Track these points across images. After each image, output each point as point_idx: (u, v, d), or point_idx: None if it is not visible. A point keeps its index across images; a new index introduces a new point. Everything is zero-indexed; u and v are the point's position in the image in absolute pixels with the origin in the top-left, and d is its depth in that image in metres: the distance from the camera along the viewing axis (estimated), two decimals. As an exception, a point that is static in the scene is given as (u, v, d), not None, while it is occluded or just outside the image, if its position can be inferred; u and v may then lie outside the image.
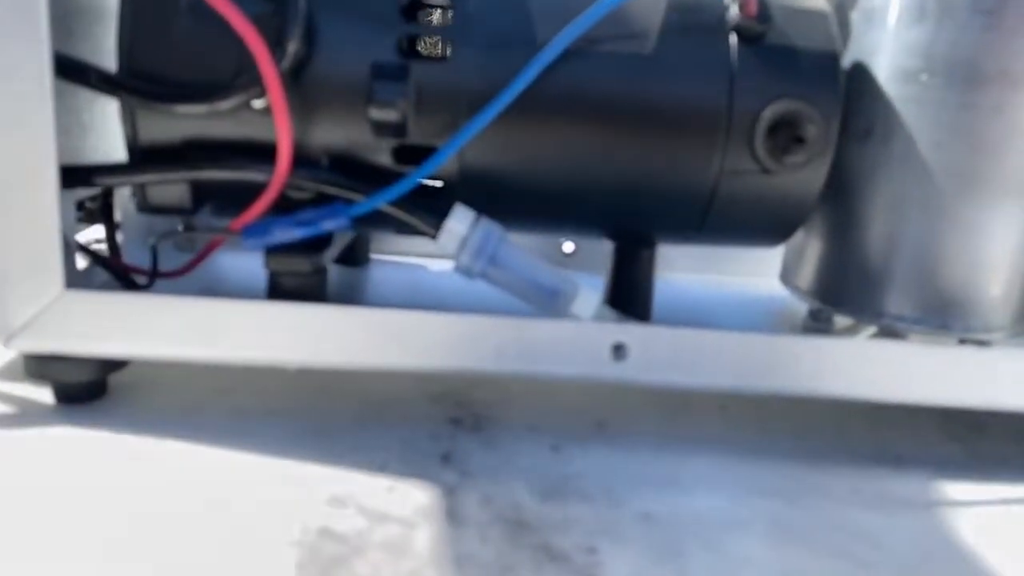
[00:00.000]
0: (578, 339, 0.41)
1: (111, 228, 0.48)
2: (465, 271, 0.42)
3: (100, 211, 0.48)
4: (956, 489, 0.42)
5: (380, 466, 0.39)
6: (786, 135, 0.43)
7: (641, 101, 0.43)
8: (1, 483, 0.36)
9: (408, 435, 0.42)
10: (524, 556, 0.33)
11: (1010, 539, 0.39)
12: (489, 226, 0.42)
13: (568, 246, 0.63)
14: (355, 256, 0.60)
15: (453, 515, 0.36)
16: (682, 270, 0.62)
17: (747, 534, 0.37)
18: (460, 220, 0.42)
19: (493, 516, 0.36)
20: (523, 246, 0.43)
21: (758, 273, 0.62)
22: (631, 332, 0.42)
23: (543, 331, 0.41)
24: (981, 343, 0.46)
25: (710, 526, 0.37)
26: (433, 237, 0.42)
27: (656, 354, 0.42)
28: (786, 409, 0.47)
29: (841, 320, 0.54)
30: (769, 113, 0.43)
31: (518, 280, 0.42)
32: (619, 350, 0.41)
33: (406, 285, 0.58)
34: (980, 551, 0.37)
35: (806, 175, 0.44)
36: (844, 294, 0.48)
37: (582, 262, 0.61)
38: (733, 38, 0.43)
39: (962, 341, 0.46)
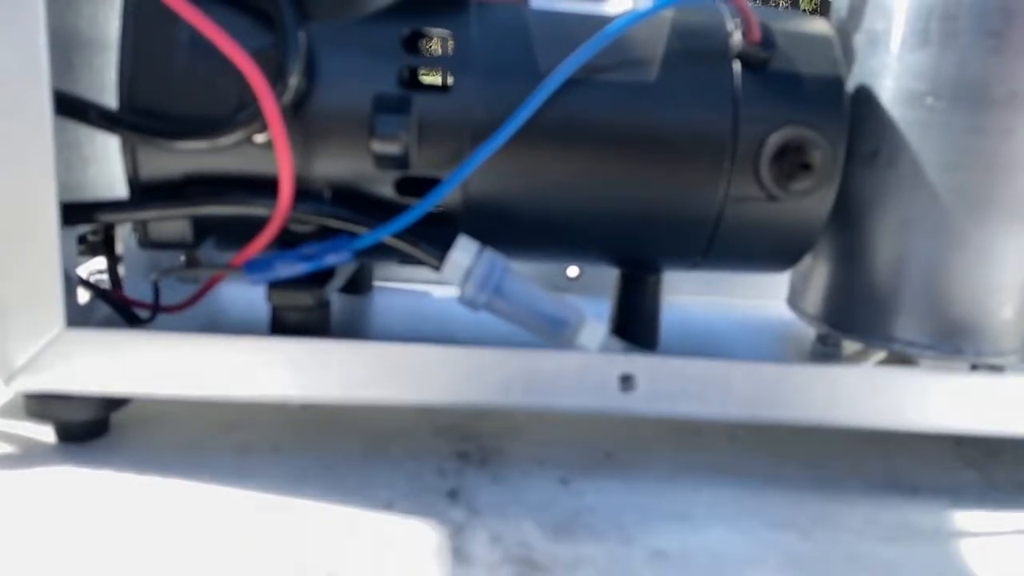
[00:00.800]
0: (585, 371, 0.41)
1: (113, 261, 0.47)
2: (470, 303, 0.42)
3: (102, 244, 0.47)
4: (973, 517, 0.41)
5: (386, 504, 0.38)
6: (792, 161, 0.42)
7: (645, 129, 0.42)
8: (3, 523, 0.35)
9: (414, 471, 0.41)
10: (534, 598, 0.33)
11: (1030, 570, 0.38)
12: (493, 257, 0.42)
13: (573, 271, 0.62)
14: (358, 284, 0.60)
15: (461, 555, 0.35)
16: (688, 293, 0.62)
17: (761, 570, 0.36)
18: (464, 251, 0.41)
19: (502, 556, 0.35)
20: (527, 273, 0.43)
21: (766, 296, 0.61)
22: (638, 363, 0.41)
23: (550, 363, 0.41)
24: (993, 368, 0.45)
25: (724, 563, 0.36)
26: (437, 269, 0.41)
27: (664, 385, 0.41)
28: (797, 438, 0.46)
29: (850, 344, 0.53)
30: (774, 140, 0.42)
31: (523, 311, 0.42)
32: (627, 381, 0.41)
33: (410, 313, 0.57)
34: (999, 583, 0.36)
35: (812, 201, 0.44)
36: (853, 319, 0.47)
37: (587, 287, 0.61)
38: (737, 65, 0.43)
39: (974, 366, 0.46)
